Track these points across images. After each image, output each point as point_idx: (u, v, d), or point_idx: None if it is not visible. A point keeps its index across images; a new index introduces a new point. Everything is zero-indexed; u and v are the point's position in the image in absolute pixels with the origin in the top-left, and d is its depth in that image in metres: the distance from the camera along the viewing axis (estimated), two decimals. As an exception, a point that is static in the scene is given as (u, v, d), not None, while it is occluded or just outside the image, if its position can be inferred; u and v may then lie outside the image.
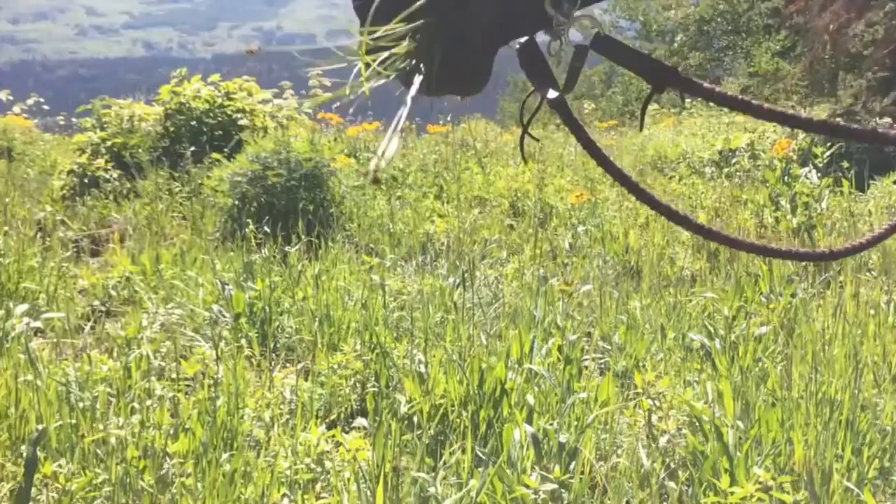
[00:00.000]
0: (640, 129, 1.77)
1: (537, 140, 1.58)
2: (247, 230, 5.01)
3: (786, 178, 6.20)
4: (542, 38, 1.42)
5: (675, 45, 27.53)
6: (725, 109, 15.49)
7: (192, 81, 9.04)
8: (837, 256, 1.80)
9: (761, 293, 4.24)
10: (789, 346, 3.56)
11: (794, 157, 6.93)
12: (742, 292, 4.31)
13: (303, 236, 5.60)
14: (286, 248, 5.21)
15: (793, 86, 15.69)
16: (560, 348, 3.40)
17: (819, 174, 6.60)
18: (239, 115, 8.73)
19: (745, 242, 1.69)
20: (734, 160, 9.63)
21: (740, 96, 1.51)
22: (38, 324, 3.74)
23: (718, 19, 25.52)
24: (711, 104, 13.93)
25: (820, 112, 12.66)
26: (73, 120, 11.10)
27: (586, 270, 5.27)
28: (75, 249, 5.81)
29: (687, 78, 1.42)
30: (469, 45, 1.30)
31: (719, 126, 12.49)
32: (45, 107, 12.23)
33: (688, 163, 10.20)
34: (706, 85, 1.45)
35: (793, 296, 4.04)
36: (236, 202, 6.84)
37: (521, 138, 1.48)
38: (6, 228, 4.97)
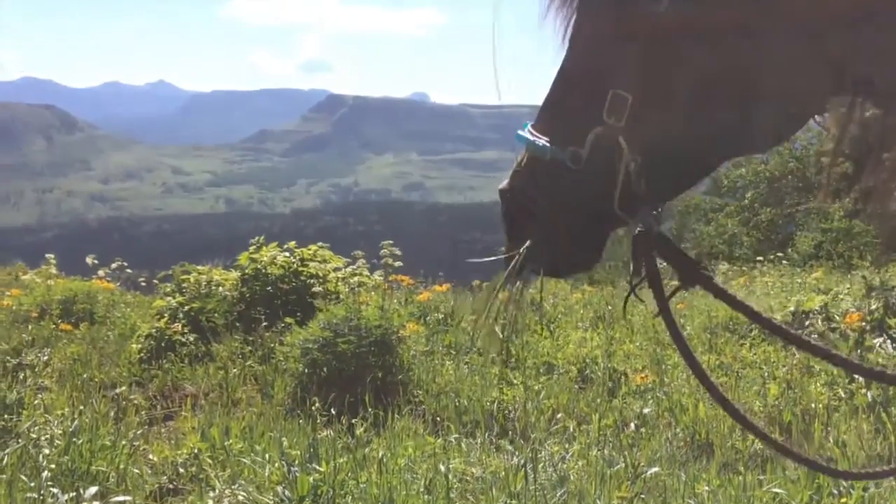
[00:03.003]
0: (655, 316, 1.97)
1: (642, 301, 1.90)
2: (313, 408, 5.07)
3: (859, 349, 6.09)
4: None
5: (746, 201, 27.60)
6: (798, 269, 15.28)
7: (269, 248, 9.34)
8: None
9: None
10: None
11: (868, 328, 6.81)
12: (815, 478, 4.19)
13: (370, 408, 5.64)
14: (353, 420, 5.27)
15: (866, 244, 15.53)
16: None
17: (894, 345, 6.46)
18: (313, 282, 8.95)
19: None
20: (807, 322, 9.47)
21: (760, 311, 1.86)
22: (107, 508, 3.81)
23: (789, 177, 25.59)
24: (784, 262, 13.70)
25: (895, 272, 12.45)
26: (154, 282, 11.54)
27: (654, 449, 5.19)
28: (148, 420, 5.94)
29: (716, 283, 1.84)
30: (572, 245, 1.85)
31: (792, 286, 12.35)
32: (129, 270, 12.72)
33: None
34: (729, 291, 1.87)
35: (865, 490, 3.91)
36: (306, 369, 6.96)
37: (626, 300, 1.92)
38: (81, 407, 5.13)
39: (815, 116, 1.88)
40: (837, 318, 8.96)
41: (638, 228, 1.77)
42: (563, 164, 1.77)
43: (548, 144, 1.79)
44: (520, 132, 1.86)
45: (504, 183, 1.89)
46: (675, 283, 1.88)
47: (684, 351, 1.89)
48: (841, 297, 10.06)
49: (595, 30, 1.79)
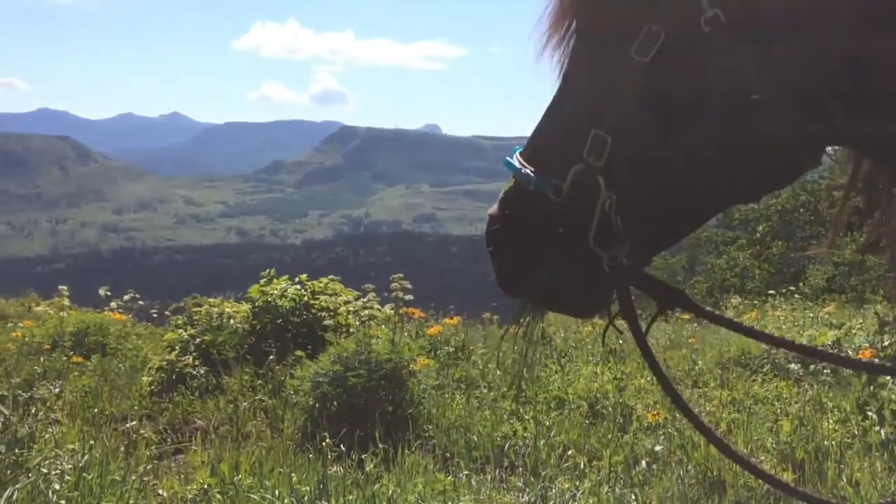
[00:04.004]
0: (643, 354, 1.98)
1: (621, 332, 1.94)
2: (323, 443, 5.06)
3: (872, 386, 6.04)
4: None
5: (758, 234, 27.53)
6: (810, 303, 15.17)
7: (279, 280, 9.35)
8: None
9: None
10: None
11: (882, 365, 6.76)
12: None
13: (380, 443, 5.63)
14: (363, 456, 5.26)
15: (879, 277, 15.43)
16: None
17: (907, 381, 6.40)
18: (323, 315, 8.95)
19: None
20: (820, 357, 9.41)
21: (749, 325, 1.96)
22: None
23: (801, 210, 25.50)
24: (796, 296, 13.56)
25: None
26: (167, 313, 11.58)
27: (665, 487, 5.15)
28: (158, 454, 5.93)
29: (693, 302, 1.89)
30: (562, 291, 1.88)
31: (804, 320, 12.29)
32: (141, 302, 12.79)
33: (772, 360, 10.00)
34: (707, 308, 1.94)
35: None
36: (316, 403, 6.95)
37: (604, 332, 2.00)
38: (91, 441, 5.13)
39: (828, 149, 1.86)
40: (850, 353, 8.90)
41: (612, 263, 1.79)
42: (545, 194, 1.81)
43: (532, 174, 1.83)
44: (508, 158, 1.90)
45: (493, 207, 1.93)
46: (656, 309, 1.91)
47: (669, 391, 1.92)
48: (854, 331, 10.01)
49: (583, 70, 1.83)
